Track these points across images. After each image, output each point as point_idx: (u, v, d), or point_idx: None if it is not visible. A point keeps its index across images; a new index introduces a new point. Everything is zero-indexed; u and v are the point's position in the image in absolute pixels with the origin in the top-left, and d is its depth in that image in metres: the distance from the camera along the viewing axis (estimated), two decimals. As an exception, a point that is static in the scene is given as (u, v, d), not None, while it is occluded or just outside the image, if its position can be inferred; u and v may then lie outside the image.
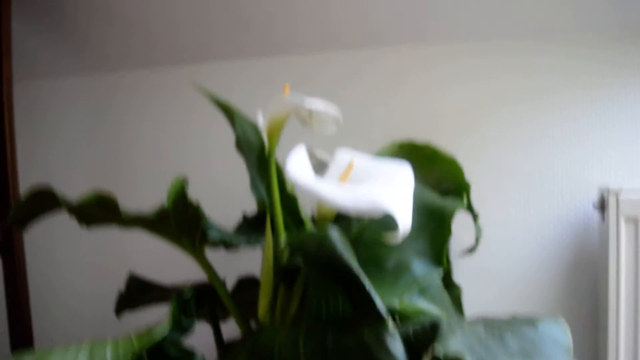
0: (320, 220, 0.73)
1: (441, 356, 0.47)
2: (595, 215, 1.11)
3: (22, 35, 1.28)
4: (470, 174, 1.16)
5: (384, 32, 1.22)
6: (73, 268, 1.52)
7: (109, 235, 1.38)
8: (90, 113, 1.50)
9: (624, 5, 1.07)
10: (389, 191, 0.63)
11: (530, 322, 0.56)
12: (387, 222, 0.72)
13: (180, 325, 0.66)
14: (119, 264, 1.43)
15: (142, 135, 1.45)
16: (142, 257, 1.41)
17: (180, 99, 1.41)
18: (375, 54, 1.26)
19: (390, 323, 0.54)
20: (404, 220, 0.60)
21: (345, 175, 0.70)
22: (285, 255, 0.79)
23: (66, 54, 1.43)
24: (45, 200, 0.70)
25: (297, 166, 0.65)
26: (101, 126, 1.49)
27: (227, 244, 0.82)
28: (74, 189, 1.47)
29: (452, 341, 0.48)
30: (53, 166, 1.54)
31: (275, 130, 0.78)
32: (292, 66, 1.32)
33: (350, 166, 0.70)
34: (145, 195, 1.43)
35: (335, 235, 0.61)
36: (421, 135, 1.20)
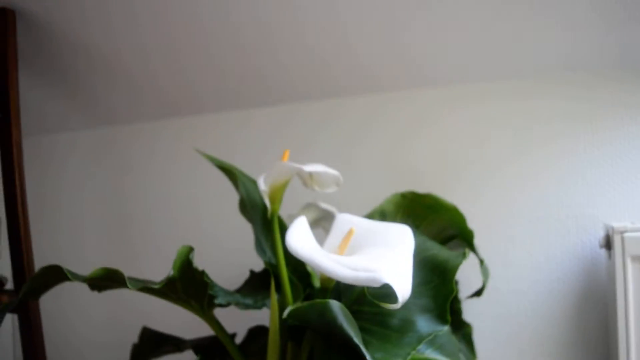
0: (324, 282, 0.75)
1: None
2: (603, 251, 1.11)
3: (27, 90, 1.31)
4: (476, 214, 1.17)
5: (386, 77, 1.24)
6: (88, 322, 1.54)
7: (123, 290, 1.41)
8: (96, 166, 1.54)
9: (621, 42, 1.08)
10: (388, 262, 0.64)
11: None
12: (387, 289, 0.74)
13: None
14: (133, 315, 1.45)
15: (150, 186, 1.48)
16: (155, 307, 1.44)
17: (186, 150, 1.44)
18: (372, 101, 1.28)
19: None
20: (403, 291, 0.61)
21: (345, 242, 0.71)
22: (291, 315, 0.80)
23: (70, 109, 1.47)
24: (54, 277, 0.72)
25: (297, 237, 0.66)
26: (108, 179, 1.53)
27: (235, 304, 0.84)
28: (84, 244, 1.52)
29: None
30: (62, 220, 1.57)
31: (278, 194, 0.80)
32: (290, 116, 1.35)
33: (350, 233, 0.72)
34: (155, 245, 1.46)
35: (335, 305, 0.63)
36: (424, 179, 1.21)
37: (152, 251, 1.46)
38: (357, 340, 0.59)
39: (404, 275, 0.63)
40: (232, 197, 1.24)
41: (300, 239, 0.67)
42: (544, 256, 1.15)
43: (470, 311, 1.17)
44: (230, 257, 1.29)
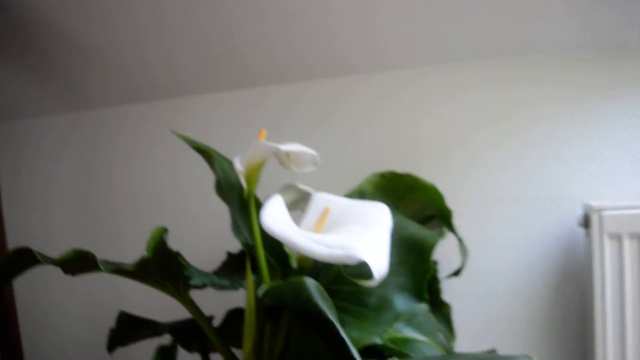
0: (300, 261, 0.74)
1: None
2: (581, 230, 1.12)
3: (1, 75, 1.29)
4: (455, 194, 1.17)
5: (361, 60, 1.23)
6: (64, 310, 1.53)
7: (99, 274, 1.40)
8: (71, 150, 1.51)
9: (595, 24, 1.08)
10: (364, 239, 0.64)
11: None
12: (363, 268, 0.73)
13: (165, 376, 0.67)
14: (109, 300, 1.44)
15: (125, 170, 1.46)
16: (133, 292, 1.42)
17: (162, 133, 1.42)
18: (350, 82, 1.27)
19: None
20: (379, 268, 0.61)
21: (322, 221, 0.71)
22: (268, 296, 0.80)
23: (47, 94, 1.44)
24: (25, 259, 0.71)
25: (272, 216, 0.65)
26: (85, 163, 1.51)
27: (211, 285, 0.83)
28: (59, 228, 1.50)
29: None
30: (36, 205, 1.55)
31: (254, 174, 0.78)
32: (270, 97, 1.33)
33: (326, 211, 0.71)
34: (128, 229, 1.45)
35: (311, 283, 0.62)
36: (403, 159, 1.21)
37: (129, 234, 1.44)
38: (332, 317, 0.59)
39: (380, 252, 0.63)
40: (209, 178, 1.23)
41: (275, 217, 0.66)
42: (523, 236, 1.15)
43: (450, 291, 1.17)
44: (208, 239, 1.28)
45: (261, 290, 0.64)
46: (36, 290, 1.51)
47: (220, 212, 1.18)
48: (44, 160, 1.54)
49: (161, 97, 1.41)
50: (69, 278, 1.46)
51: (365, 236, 0.65)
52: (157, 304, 1.26)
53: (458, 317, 1.16)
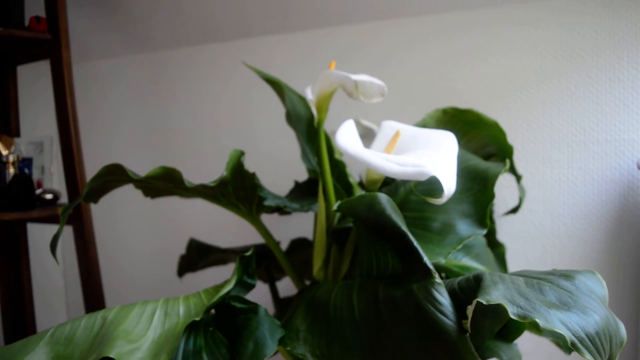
0: (369, 185, 0.78)
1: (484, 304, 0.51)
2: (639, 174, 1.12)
3: (72, 20, 1.35)
4: (515, 136, 1.19)
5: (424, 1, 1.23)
6: (137, 235, 1.62)
7: (170, 205, 1.48)
8: (139, 90, 1.58)
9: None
10: (434, 157, 0.67)
11: (568, 275, 0.59)
12: (432, 186, 0.77)
13: (244, 281, 0.72)
14: (178, 231, 1.52)
15: (189, 109, 1.53)
16: (200, 224, 1.50)
17: (220, 74, 1.47)
18: (416, 22, 1.28)
19: (437, 276, 0.58)
20: (448, 183, 0.64)
21: (392, 144, 0.74)
22: (336, 218, 0.84)
23: (115, 36, 1.51)
24: (115, 176, 0.76)
25: (346, 137, 0.69)
26: (150, 102, 1.57)
27: (282, 210, 0.88)
28: (132, 161, 1.58)
29: (494, 292, 0.52)
30: (108, 140, 1.63)
31: (324, 103, 0.82)
32: (335, 38, 1.35)
33: (397, 134, 0.74)
34: (193, 166, 1.52)
35: (383, 197, 0.66)
36: (463, 100, 1.22)
37: (192, 166, 1.52)
38: (404, 228, 0.63)
39: (449, 170, 0.66)
40: (273, 118, 1.27)
41: (349, 138, 0.70)
42: (581, 179, 1.16)
43: (505, 232, 1.20)
44: (273, 171, 1.33)
45: (336, 204, 0.68)
46: (109, 219, 1.61)
47: (286, 146, 1.23)
48: (112, 98, 1.62)
49: (221, 39, 1.45)
50: (139, 208, 1.56)
51: (434, 157, 0.68)
52: (225, 234, 1.33)
53: (512, 258, 1.19)
